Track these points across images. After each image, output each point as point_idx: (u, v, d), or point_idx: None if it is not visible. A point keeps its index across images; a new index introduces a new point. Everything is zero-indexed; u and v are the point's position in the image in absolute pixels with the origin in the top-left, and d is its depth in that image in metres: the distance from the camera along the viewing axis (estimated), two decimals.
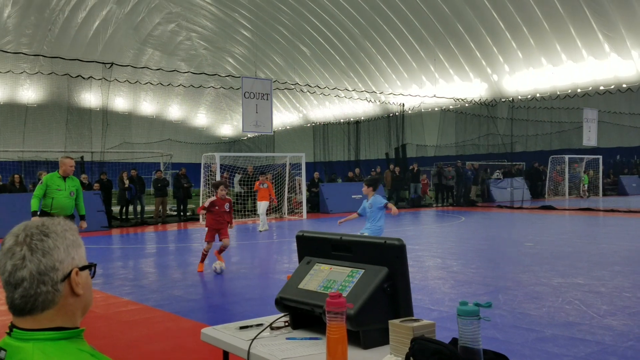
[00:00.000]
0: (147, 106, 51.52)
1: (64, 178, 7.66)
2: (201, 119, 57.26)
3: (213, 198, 9.00)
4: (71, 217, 7.61)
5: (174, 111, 54.19)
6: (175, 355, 4.77)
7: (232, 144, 55.34)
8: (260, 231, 14.65)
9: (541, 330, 5.19)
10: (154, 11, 43.18)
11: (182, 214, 19.31)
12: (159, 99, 50.66)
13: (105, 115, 20.79)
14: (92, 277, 1.40)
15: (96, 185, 17.34)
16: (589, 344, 4.74)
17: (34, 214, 7.69)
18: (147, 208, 19.20)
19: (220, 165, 18.37)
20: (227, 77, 33.98)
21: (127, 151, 37.35)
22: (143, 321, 5.96)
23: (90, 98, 28.11)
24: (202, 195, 18.51)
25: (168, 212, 19.79)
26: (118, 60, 26.78)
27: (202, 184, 18.61)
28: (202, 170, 18.68)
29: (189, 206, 20.18)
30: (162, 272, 9.23)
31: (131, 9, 41.71)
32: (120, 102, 47.76)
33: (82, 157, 20.88)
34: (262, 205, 15.03)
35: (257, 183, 15.58)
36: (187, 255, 11.24)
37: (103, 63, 19.30)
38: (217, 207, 8.79)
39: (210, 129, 58.12)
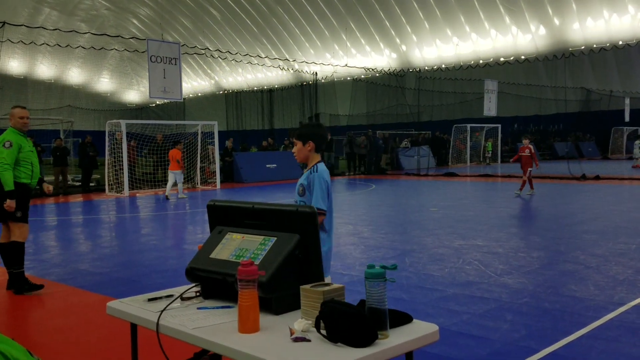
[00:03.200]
0: (45, 70, 48.17)
1: (26, 136, 5.82)
2: (105, 84, 54.34)
3: None
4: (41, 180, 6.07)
5: (75, 75, 51.03)
6: (82, 330, 4.60)
7: (139, 111, 53.12)
8: (181, 197, 15.50)
9: (444, 289, 5.51)
10: None
11: (87, 184, 18.40)
12: (58, 62, 47.48)
13: None
14: None
15: None
16: (487, 301, 5.09)
17: (11, 195, 5.51)
18: (46, 178, 18.06)
19: (127, 133, 17.60)
20: (131, 39, 32.30)
21: None
22: (45, 296, 5.69)
23: None
24: (108, 165, 17.69)
25: (70, 182, 18.77)
26: (11, 20, 24.66)
27: (107, 153, 17.77)
28: (106, 139, 17.82)
29: (94, 176, 19.24)
30: (65, 245, 8.81)
31: None
32: (15, 65, 44.42)
33: None
34: (179, 175, 15.32)
35: (174, 151, 15.27)
36: (93, 227, 10.79)
37: None
38: None
39: (115, 95, 55.35)
